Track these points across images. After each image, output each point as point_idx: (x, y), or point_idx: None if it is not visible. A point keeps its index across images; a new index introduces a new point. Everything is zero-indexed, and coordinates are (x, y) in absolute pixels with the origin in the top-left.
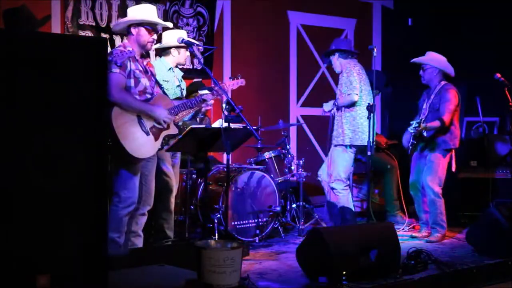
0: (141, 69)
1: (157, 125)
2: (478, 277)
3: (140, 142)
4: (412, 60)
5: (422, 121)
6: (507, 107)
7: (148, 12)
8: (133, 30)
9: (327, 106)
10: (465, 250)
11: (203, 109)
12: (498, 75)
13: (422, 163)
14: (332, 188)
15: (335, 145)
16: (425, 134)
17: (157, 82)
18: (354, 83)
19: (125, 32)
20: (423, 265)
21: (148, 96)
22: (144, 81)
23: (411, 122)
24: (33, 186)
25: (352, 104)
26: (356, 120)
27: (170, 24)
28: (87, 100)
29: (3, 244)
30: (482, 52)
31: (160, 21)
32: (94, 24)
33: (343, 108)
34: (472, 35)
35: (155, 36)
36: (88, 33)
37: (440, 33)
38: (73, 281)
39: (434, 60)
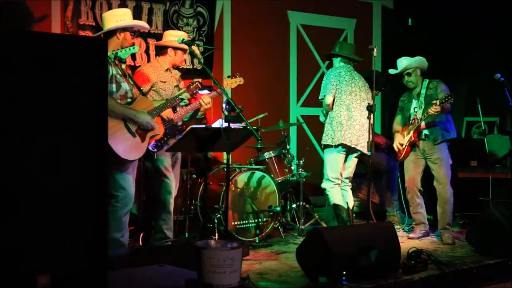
0: (121, 73)
1: (141, 128)
2: (478, 277)
3: (128, 144)
4: (395, 71)
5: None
6: (507, 107)
7: (130, 16)
8: (119, 35)
9: (321, 116)
10: (465, 250)
11: (202, 109)
12: (498, 75)
13: (421, 164)
14: (323, 189)
15: (324, 146)
16: (424, 131)
17: (135, 84)
18: (328, 85)
19: (101, 35)
20: (423, 265)
21: (129, 99)
22: (125, 85)
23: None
24: (34, 186)
25: (329, 106)
26: (336, 120)
27: (147, 26)
28: (88, 100)
29: (4, 244)
30: (482, 52)
31: (146, 25)
32: (94, 24)
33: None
34: (472, 35)
35: (135, 40)
36: (88, 33)
37: (440, 33)
38: (73, 281)
39: (416, 62)
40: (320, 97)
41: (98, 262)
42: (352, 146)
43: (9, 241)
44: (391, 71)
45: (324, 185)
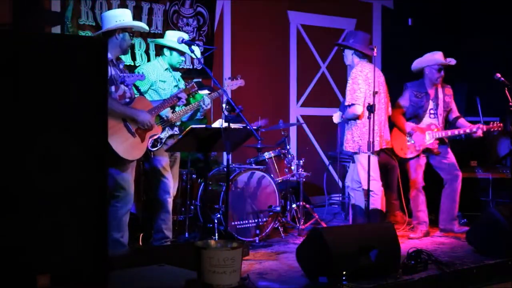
0: (119, 73)
1: (141, 127)
2: (478, 277)
3: (128, 144)
4: (440, 61)
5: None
6: (507, 107)
7: (130, 17)
8: (118, 35)
9: (336, 118)
10: (465, 250)
11: (201, 110)
12: (498, 75)
13: (424, 161)
14: (370, 191)
15: (353, 153)
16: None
17: (133, 84)
18: (358, 92)
19: (100, 35)
20: (423, 265)
21: (128, 100)
22: (123, 86)
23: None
24: (34, 186)
25: (359, 116)
26: (367, 127)
27: (146, 27)
28: (88, 100)
29: (4, 244)
30: (482, 52)
31: (145, 26)
32: (94, 24)
33: None
34: (472, 35)
35: (132, 40)
36: (88, 33)
37: (440, 33)
38: (73, 281)
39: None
40: (347, 103)
41: (98, 262)
42: (384, 147)
43: (9, 241)
44: (434, 59)
45: (373, 187)
